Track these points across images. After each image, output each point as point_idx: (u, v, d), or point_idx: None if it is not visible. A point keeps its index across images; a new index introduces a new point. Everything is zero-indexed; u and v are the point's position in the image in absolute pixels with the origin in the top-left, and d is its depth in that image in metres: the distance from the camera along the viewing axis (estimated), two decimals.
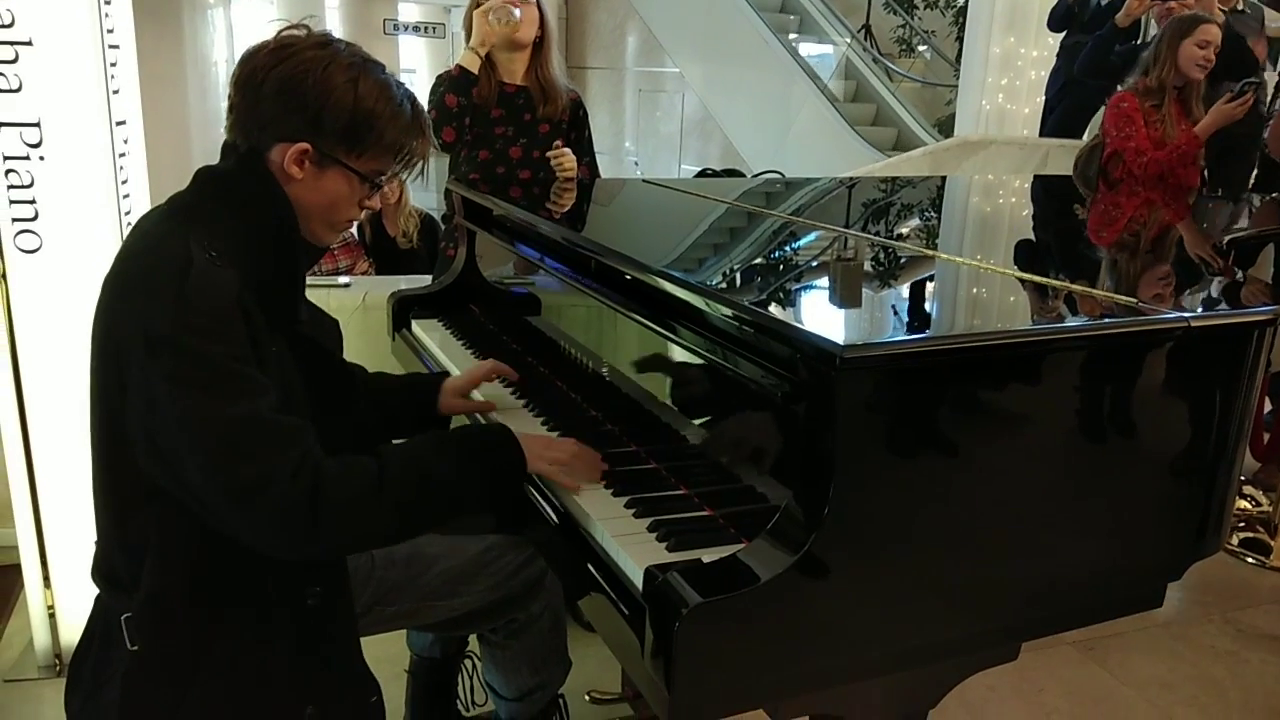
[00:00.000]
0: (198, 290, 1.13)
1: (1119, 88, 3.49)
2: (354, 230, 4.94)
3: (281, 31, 1.27)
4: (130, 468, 1.19)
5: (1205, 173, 3.44)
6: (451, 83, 2.49)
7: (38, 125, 1.94)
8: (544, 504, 1.42)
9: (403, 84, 1.31)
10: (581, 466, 1.38)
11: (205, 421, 1.11)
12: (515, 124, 2.56)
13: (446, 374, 1.73)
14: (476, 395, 1.71)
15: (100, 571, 1.30)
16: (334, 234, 1.36)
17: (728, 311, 1.27)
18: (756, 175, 5.02)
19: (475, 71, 2.47)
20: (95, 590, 1.32)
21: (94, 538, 1.31)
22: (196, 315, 1.12)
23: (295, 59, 1.23)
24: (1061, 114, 5.25)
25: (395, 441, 1.35)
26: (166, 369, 1.11)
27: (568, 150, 2.54)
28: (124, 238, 1.28)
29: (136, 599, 1.22)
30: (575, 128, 2.67)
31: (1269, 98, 4.01)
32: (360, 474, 1.19)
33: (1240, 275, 1.80)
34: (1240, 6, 4.24)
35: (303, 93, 1.22)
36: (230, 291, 1.16)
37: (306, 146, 1.24)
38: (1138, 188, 3.23)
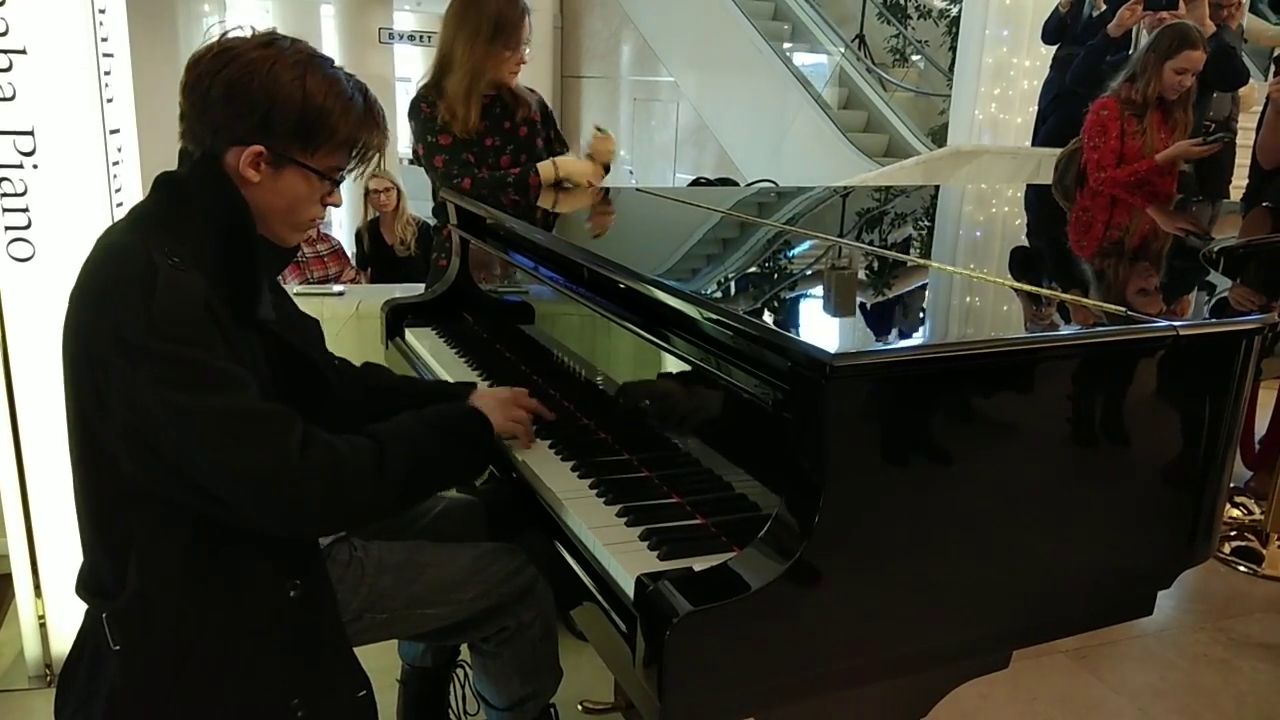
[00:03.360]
0: (166, 297, 1.14)
1: (1104, 94, 3.51)
2: (348, 238, 4.96)
3: (225, 34, 1.26)
4: (111, 474, 1.20)
5: (1192, 176, 3.46)
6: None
7: (31, 133, 1.94)
8: (514, 480, 1.42)
9: (353, 76, 1.30)
10: (531, 405, 1.57)
11: (202, 418, 1.13)
12: (499, 133, 2.57)
13: (474, 384, 1.76)
14: None
15: (86, 585, 1.30)
16: (298, 234, 1.35)
17: (720, 320, 1.27)
18: (750, 184, 5.04)
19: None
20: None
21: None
22: (168, 322, 1.13)
23: (239, 60, 1.22)
24: (1054, 124, 5.27)
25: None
26: (150, 375, 1.12)
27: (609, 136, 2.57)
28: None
29: (118, 603, 1.23)
30: (547, 124, 2.69)
31: (1261, 106, 4.03)
32: (364, 451, 1.24)
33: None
34: (1240, 22, 4.27)
35: (250, 94, 1.21)
36: (197, 295, 1.16)
37: (260, 149, 1.23)
38: (1100, 189, 3.26)
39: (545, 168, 2.47)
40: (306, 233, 1.38)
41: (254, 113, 1.22)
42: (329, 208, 1.36)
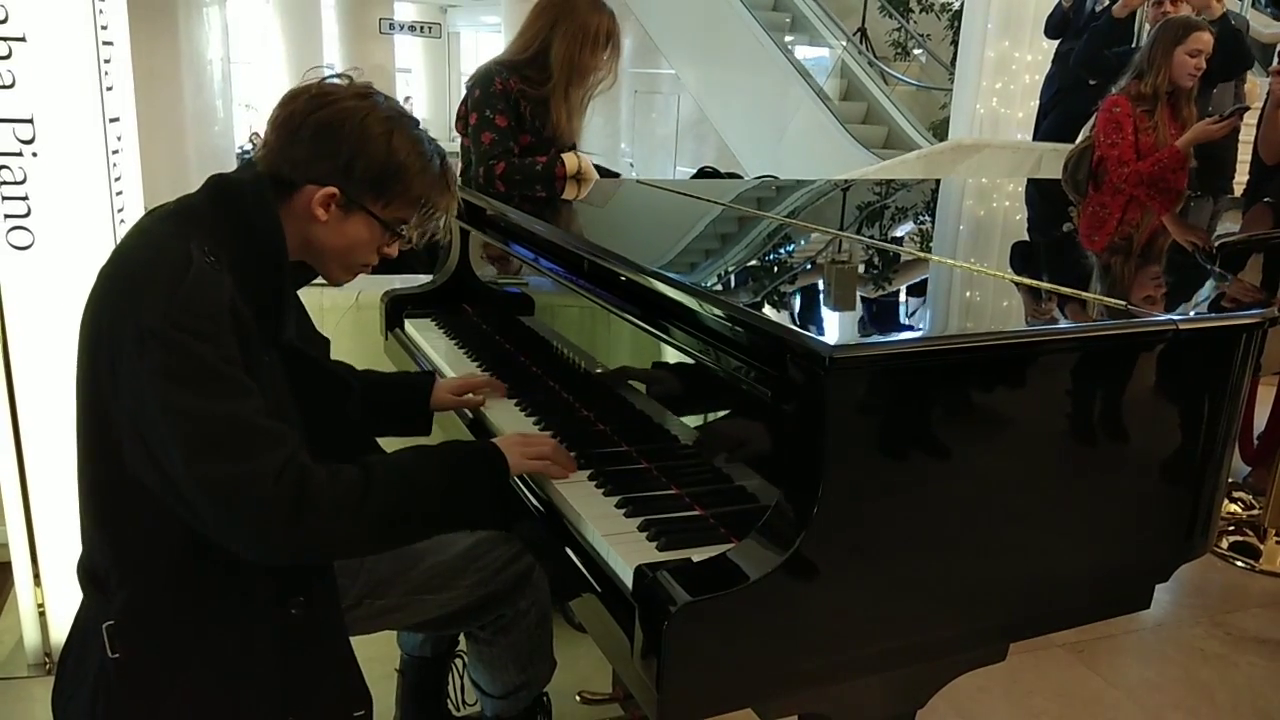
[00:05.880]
0: (193, 290, 1.14)
1: (1112, 89, 3.51)
2: None
3: (325, 78, 1.30)
4: (116, 467, 1.18)
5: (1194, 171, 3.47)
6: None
7: (31, 121, 1.94)
8: (535, 503, 1.42)
9: (434, 140, 1.34)
10: (561, 460, 1.41)
11: (189, 416, 1.11)
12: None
13: (435, 373, 1.74)
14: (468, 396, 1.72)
15: (85, 572, 1.29)
16: (349, 275, 1.38)
17: (719, 312, 1.27)
18: (759, 178, 5.04)
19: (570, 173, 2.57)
20: None
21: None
22: (189, 314, 1.13)
23: (335, 106, 1.26)
24: (1055, 119, 5.27)
25: (382, 445, 1.36)
26: (155, 363, 1.11)
27: None
28: (122, 234, 1.28)
29: (116, 605, 1.21)
30: None
31: (1262, 103, 4.03)
32: (345, 482, 1.19)
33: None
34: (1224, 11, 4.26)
35: (339, 139, 1.25)
36: (224, 295, 1.16)
37: (335, 191, 1.26)
38: (1123, 184, 3.26)
39: (570, 158, 2.56)
40: (355, 275, 1.39)
41: (338, 156, 1.25)
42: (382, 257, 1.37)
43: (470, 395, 1.74)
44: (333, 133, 1.25)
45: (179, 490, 1.13)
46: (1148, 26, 4.33)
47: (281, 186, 1.27)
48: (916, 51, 10.02)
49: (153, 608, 1.21)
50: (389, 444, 1.49)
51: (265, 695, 1.26)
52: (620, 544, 1.22)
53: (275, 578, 1.24)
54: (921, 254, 1.92)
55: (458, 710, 1.89)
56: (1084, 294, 1.48)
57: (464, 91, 2.68)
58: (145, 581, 1.21)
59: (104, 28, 2.02)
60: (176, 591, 1.22)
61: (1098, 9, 5.04)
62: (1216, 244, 2.16)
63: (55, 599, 2.19)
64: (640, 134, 12.20)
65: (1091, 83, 4.95)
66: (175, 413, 1.11)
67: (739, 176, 5.40)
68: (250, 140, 11.61)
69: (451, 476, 1.30)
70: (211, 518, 1.14)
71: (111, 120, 2.06)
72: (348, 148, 1.25)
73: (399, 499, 1.23)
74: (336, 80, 1.30)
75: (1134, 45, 4.61)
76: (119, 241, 1.26)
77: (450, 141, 2.73)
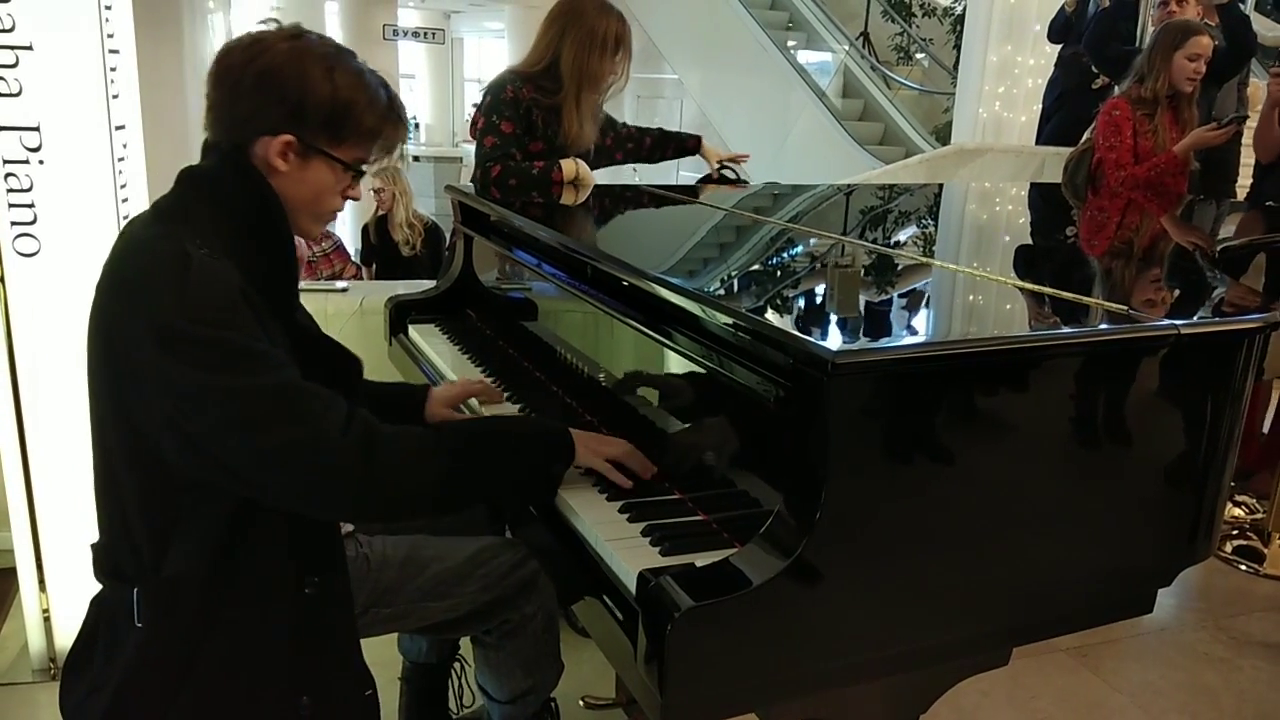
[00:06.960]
0: (201, 283, 1.15)
1: (1115, 89, 3.51)
2: (354, 233, 4.98)
3: (253, 28, 1.29)
4: (157, 463, 1.19)
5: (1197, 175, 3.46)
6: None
7: (37, 129, 1.95)
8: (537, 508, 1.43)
9: (375, 72, 1.32)
10: (635, 464, 1.41)
11: (238, 397, 1.13)
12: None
13: (431, 385, 1.75)
14: (464, 409, 1.73)
15: (104, 568, 1.30)
16: (319, 225, 1.38)
17: (722, 317, 1.28)
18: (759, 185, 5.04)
19: (569, 179, 2.56)
20: (90, 593, 1.32)
21: (91, 539, 1.31)
22: (205, 308, 1.14)
23: (271, 52, 1.24)
24: (1058, 123, 5.28)
25: None
26: (187, 360, 1.12)
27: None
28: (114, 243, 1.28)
29: (151, 581, 1.23)
30: (610, 125, 2.87)
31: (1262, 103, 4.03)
32: (415, 436, 1.25)
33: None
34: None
35: (282, 84, 1.23)
36: (232, 281, 1.17)
37: (291, 138, 1.25)
38: (1119, 188, 3.26)
39: (568, 165, 2.56)
40: (326, 224, 1.40)
41: (285, 103, 1.24)
42: (347, 200, 1.37)
43: (465, 410, 1.72)
44: (274, 79, 1.23)
45: (240, 474, 1.15)
46: (1152, 28, 4.33)
47: (237, 148, 1.26)
48: (919, 56, 10.03)
49: (186, 586, 1.22)
50: None
51: (281, 673, 1.28)
52: (623, 549, 1.23)
53: (294, 556, 1.27)
54: (924, 259, 1.92)
55: (456, 712, 1.89)
56: (1086, 299, 1.48)
57: (475, 98, 2.71)
58: (186, 562, 1.22)
59: (110, 36, 2.04)
60: (211, 571, 1.23)
61: (1100, 14, 5.05)
62: (1219, 248, 2.16)
63: (60, 604, 2.20)
64: None
65: (1094, 86, 4.96)
66: (223, 399, 1.12)
67: (742, 181, 5.40)
68: None
69: (522, 446, 1.35)
70: (284, 486, 1.17)
71: (117, 128, 2.07)
72: (293, 91, 1.23)
73: (467, 460, 1.27)
74: (265, 27, 1.29)
75: (1137, 46, 4.62)
76: (109, 254, 1.25)
77: (454, 147, 2.76)
